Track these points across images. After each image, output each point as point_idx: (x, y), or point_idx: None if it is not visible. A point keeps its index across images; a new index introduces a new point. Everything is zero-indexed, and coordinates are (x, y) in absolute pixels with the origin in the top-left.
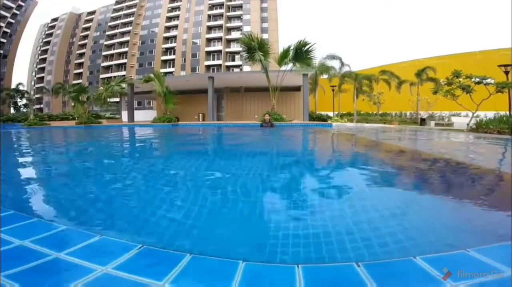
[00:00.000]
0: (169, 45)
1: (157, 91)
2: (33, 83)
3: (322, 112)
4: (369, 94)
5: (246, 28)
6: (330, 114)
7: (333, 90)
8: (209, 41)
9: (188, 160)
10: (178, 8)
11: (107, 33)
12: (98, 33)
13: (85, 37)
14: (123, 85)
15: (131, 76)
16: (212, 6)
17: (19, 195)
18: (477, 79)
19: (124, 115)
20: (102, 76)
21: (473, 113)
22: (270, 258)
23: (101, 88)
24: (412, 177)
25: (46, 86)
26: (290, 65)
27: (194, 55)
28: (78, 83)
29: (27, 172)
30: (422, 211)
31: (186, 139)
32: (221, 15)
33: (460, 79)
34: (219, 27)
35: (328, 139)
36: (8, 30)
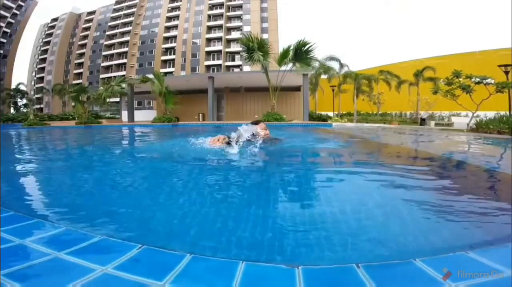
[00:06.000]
0: (169, 45)
1: (154, 91)
2: (33, 83)
3: (322, 112)
4: (369, 94)
5: (246, 28)
6: (330, 114)
7: (333, 90)
8: (209, 41)
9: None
10: (178, 8)
11: (107, 33)
12: (98, 33)
13: (85, 37)
14: (123, 85)
15: (131, 76)
16: (212, 6)
17: (19, 196)
18: (477, 79)
19: (124, 115)
20: (102, 76)
21: (473, 113)
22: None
23: (101, 88)
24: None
25: (46, 86)
26: (290, 65)
27: (194, 55)
28: (78, 83)
29: (27, 173)
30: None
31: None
32: (221, 15)
33: (460, 79)
34: (219, 27)
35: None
36: (8, 30)
